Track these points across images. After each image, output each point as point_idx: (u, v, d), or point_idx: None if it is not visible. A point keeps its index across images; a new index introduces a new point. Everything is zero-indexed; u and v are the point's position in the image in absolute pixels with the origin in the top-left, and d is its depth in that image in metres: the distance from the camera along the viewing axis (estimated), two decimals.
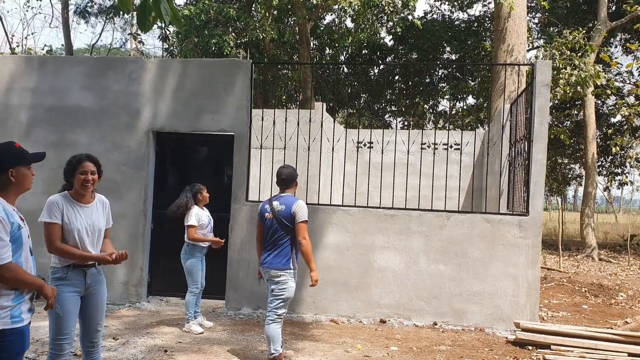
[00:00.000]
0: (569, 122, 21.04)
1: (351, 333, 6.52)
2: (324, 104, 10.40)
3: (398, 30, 16.10)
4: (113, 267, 7.56)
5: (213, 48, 13.85)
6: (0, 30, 20.13)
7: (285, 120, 7.86)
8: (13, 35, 21.39)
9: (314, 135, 9.19)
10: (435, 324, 6.97)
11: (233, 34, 14.06)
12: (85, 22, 18.49)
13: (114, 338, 5.89)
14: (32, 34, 37.67)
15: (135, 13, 18.25)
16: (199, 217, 6.39)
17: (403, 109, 21.42)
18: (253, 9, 16.10)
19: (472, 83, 18.96)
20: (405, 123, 23.49)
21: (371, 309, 7.14)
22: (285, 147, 7.87)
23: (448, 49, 22.29)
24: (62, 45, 20.51)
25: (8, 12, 41.27)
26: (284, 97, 19.74)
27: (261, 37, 13.91)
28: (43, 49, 22.40)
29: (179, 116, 7.65)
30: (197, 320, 6.43)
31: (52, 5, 21.16)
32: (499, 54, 13.86)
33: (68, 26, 19.23)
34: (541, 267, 12.18)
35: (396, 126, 10.40)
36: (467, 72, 20.95)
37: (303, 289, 7.22)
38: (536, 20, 22.40)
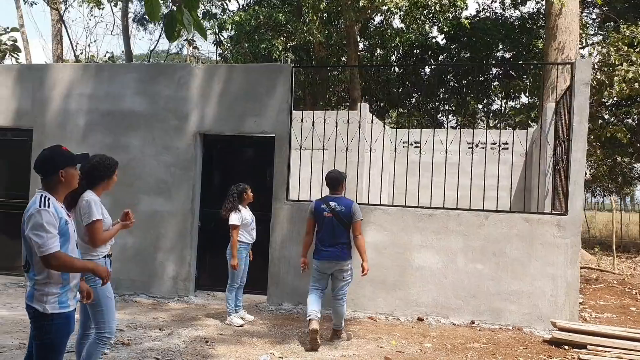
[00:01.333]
0: (630, 120, 20.31)
1: (387, 330, 6.65)
2: (368, 105, 10.53)
3: (446, 29, 16.02)
4: (164, 264, 7.99)
5: (263, 52, 14.22)
6: (65, 38, 21.20)
7: (324, 122, 8.05)
8: (77, 43, 22.52)
9: (357, 136, 9.35)
10: (472, 322, 7.01)
11: (282, 38, 14.39)
12: (143, 29, 19.27)
13: (160, 329, 6.26)
14: (95, 41, 39.42)
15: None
16: (242, 216, 6.67)
17: (454, 109, 21.21)
18: (303, 12, 16.40)
19: (525, 81, 18.61)
20: (456, 122, 23.28)
21: (409, 307, 7.24)
22: (324, 148, 8.07)
23: (501, 47, 21.92)
24: (123, 51, 21.45)
25: (73, 21, 43.39)
26: (334, 99, 19.96)
27: (309, 40, 14.16)
28: (105, 56, 23.52)
29: (224, 119, 7.98)
30: (238, 314, 6.74)
31: (113, 13, 22.18)
32: (549, 51, 13.61)
33: (128, 33, 20.12)
34: (593, 269, 11.93)
35: (447, 126, 10.43)
36: (519, 71, 20.57)
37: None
38: (593, 16, 21.73)
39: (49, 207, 3.16)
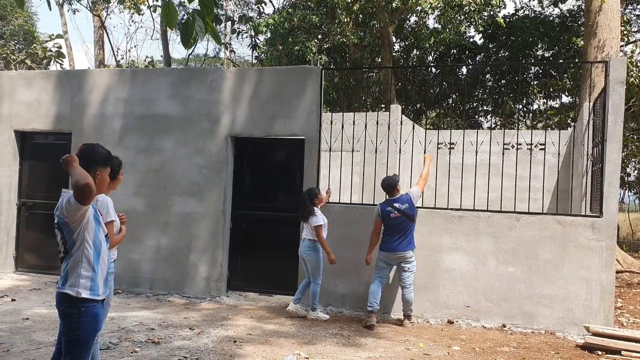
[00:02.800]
0: None
1: (416, 332, 6.61)
2: (400, 106, 10.48)
3: (482, 29, 15.81)
4: (196, 264, 8.12)
5: (297, 54, 14.31)
6: (107, 44, 21.78)
7: (353, 124, 8.05)
8: (118, 49, 23.09)
9: (391, 138, 9.31)
10: (504, 326, 6.90)
11: (315, 40, 14.45)
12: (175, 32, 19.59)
13: (190, 328, 6.37)
14: (135, 46, 40.34)
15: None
16: (323, 217, 7.04)
17: (492, 109, 20.88)
18: (337, 14, 16.43)
19: (565, 81, 18.18)
20: (494, 123, 22.91)
21: (439, 310, 7.18)
22: (353, 150, 8.08)
23: (540, 45, 21.47)
24: (162, 56, 21.89)
25: (114, 27, 44.48)
26: (369, 101, 19.91)
27: (342, 41, 14.19)
28: (145, 61, 24.02)
29: (255, 122, 8.07)
30: (296, 305, 7.14)
31: (152, 19, 22.66)
32: (589, 50, 13.28)
33: (166, 38, 20.53)
34: (635, 272, 11.56)
35: (485, 127, 10.30)
36: (559, 70, 20.11)
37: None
38: (638, 12, 21.10)
39: None
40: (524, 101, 22.85)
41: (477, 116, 23.71)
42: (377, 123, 7.91)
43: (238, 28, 18.39)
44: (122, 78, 8.74)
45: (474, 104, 23.96)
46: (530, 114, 21.87)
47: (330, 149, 7.92)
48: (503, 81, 22.44)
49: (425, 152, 8.91)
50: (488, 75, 22.71)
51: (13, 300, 7.53)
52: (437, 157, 8.57)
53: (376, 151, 8.04)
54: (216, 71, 8.44)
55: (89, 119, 8.78)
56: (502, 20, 14.84)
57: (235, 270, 8.35)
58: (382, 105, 19.92)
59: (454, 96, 23.27)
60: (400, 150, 8.16)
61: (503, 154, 7.70)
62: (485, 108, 23.93)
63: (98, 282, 3.35)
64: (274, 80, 8.03)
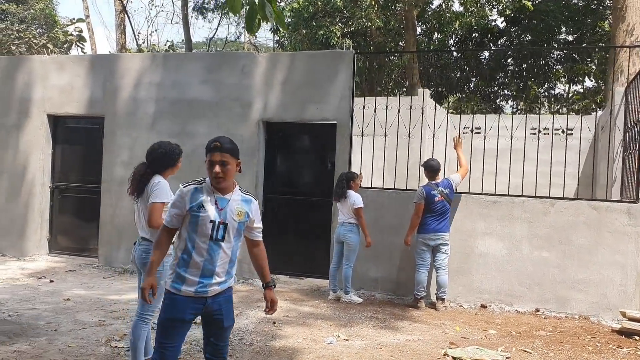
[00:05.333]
0: None
1: (451, 316, 6.67)
2: (428, 90, 10.44)
3: (508, 12, 15.64)
4: None
5: (320, 39, 14.27)
6: (128, 28, 21.85)
7: (386, 108, 8.06)
8: (139, 33, 23.16)
9: (417, 122, 9.31)
10: (537, 310, 6.94)
11: (340, 24, 14.40)
12: (202, 17, 19.63)
13: None
14: (156, 30, 40.42)
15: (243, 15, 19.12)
16: (361, 199, 7.16)
17: (515, 93, 20.71)
18: None
19: (590, 65, 17.98)
20: (516, 107, 22.72)
21: (472, 294, 7.23)
22: (386, 134, 8.10)
23: (564, 29, 21.20)
24: (182, 40, 21.93)
25: (135, 11, 44.53)
26: (391, 85, 19.84)
27: (367, 25, 14.12)
28: (165, 45, 24.09)
29: (287, 106, 8.11)
30: (336, 293, 7.27)
31: (173, 2, 22.70)
32: (617, 33, 13.11)
33: (187, 22, 20.57)
34: None
35: (512, 112, 10.24)
36: (583, 54, 19.88)
37: (404, 273, 7.47)
38: None
39: None
40: (545, 85, 22.66)
41: (498, 100, 23.54)
42: (411, 108, 7.89)
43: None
44: (154, 63, 8.80)
45: (495, 88, 23.78)
46: (554, 99, 21.66)
47: (362, 133, 7.94)
48: (524, 65, 22.25)
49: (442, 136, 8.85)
50: (510, 60, 22.51)
51: (51, 281, 7.69)
52: (467, 142, 8.55)
53: (409, 136, 8.04)
54: (248, 56, 8.47)
55: (121, 104, 8.86)
56: (529, 3, 14.66)
57: (267, 253, 8.41)
58: (404, 89, 19.84)
59: (474, 80, 23.11)
60: (434, 135, 8.15)
61: (534, 138, 7.65)
62: (506, 92, 23.75)
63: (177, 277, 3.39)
64: (306, 64, 8.05)
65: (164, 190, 4.40)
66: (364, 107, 7.90)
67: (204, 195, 3.26)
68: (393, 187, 8.05)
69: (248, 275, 8.19)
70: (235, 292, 7.41)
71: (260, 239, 3.57)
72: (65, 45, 23.88)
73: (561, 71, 19.18)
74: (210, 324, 3.38)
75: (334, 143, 7.97)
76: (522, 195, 7.18)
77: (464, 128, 11.88)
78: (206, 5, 18.97)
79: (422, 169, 7.36)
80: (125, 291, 7.28)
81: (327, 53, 8.32)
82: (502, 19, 21.35)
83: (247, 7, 3.01)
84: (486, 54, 22.79)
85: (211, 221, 3.22)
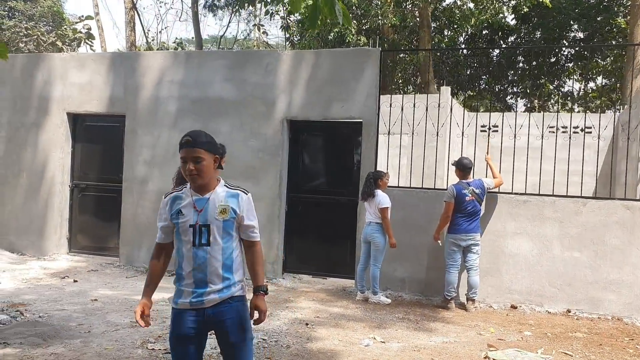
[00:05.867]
0: None
1: (482, 317, 6.60)
2: (450, 88, 10.35)
3: (525, 9, 15.54)
4: None
5: (335, 36, 14.17)
6: (138, 25, 21.77)
7: (414, 106, 7.96)
8: (148, 30, 23.07)
9: (440, 120, 9.23)
10: (568, 311, 6.86)
11: (354, 22, 14.29)
12: (213, 15, 19.54)
13: None
14: (165, 28, 40.25)
15: (261, 6, 19.03)
16: (389, 200, 7.07)
17: (528, 91, 20.59)
18: None
19: (604, 62, 17.85)
20: (528, 105, 22.60)
21: (501, 295, 7.15)
22: (413, 133, 8.00)
23: (575, 26, 21.07)
24: (193, 37, 21.83)
25: (144, 8, 44.38)
26: (401, 82, 19.74)
27: (381, 23, 14.01)
28: (174, 42, 24.00)
29: (311, 105, 8.02)
30: (364, 294, 7.20)
31: (182, 0, 22.55)
32: (635, 30, 13.01)
33: (197, 19, 20.46)
34: None
35: (529, 110, 10.15)
36: (596, 51, 19.75)
37: (432, 273, 7.39)
38: None
39: None
40: (555, 83, 22.52)
41: (511, 98, 23.41)
42: (439, 106, 7.80)
43: (271, 9, 18.25)
44: (176, 60, 8.72)
45: (505, 86, 23.66)
46: (569, 97, 21.53)
47: (389, 132, 7.85)
48: (534, 63, 22.12)
49: (476, 135, 8.77)
50: (520, 57, 22.39)
51: (75, 281, 7.63)
52: (477, 140, 8.45)
53: (437, 134, 7.95)
54: (272, 54, 8.39)
55: (143, 102, 8.79)
56: (547, 0, 14.54)
57: (290, 252, 8.37)
58: (415, 86, 19.72)
59: (484, 77, 23.00)
60: (463, 133, 8.06)
61: (551, 137, 7.56)
62: (515, 90, 23.64)
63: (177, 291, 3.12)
64: (331, 62, 7.96)
65: None
66: (390, 105, 7.82)
67: (184, 201, 2.97)
68: (420, 186, 7.93)
69: (271, 274, 8.11)
70: None
71: (255, 238, 3.09)
72: (74, 43, 23.83)
73: (576, 68, 19.03)
74: (219, 338, 3.02)
75: (359, 142, 7.89)
76: (553, 195, 7.10)
77: (481, 126, 11.80)
78: (217, 3, 18.87)
79: (453, 167, 7.25)
80: None
81: (352, 50, 8.23)
82: (513, 16, 21.24)
83: (311, 4, 2.93)
84: (497, 51, 22.68)
85: (191, 226, 2.92)
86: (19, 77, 9.48)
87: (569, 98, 21.47)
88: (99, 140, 9.33)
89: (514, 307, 7.02)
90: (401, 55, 19.00)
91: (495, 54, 21.32)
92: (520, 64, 22.61)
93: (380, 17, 13.69)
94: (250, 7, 19.08)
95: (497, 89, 22.49)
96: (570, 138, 7.68)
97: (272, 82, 8.20)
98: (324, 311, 6.55)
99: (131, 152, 8.83)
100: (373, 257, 7.12)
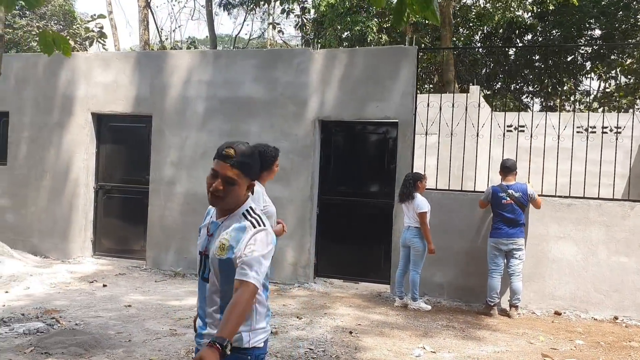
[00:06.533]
0: None
1: (527, 324, 6.39)
2: (480, 88, 10.13)
3: (550, 7, 15.29)
4: (283, 250, 7.93)
5: (357, 34, 13.96)
6: (152, 24, 21.60)
7: (452, 106, 7.75)
8: (162, 29, 22.90)
9: (472, 120, 9.01)
10: (616, 318, 6.64)
11: (375, 20, 14.08)
12: (228, 13, 19.34)
13: (297, 317, 6.21)
14: (179, 27, 40.01)
15: (275, 3, 18.83)
16: (427, 204, 6.84)
17: (549, 90, 20.32)
18: None
19: (630, 61, 17.58)
20: (544, 104, 22.32)
21: (544, 300, 6.93)
22: (452, 134, 7.78)
23: (595, 24, 20.77)
24: (206, 36, 21.64)
25: (157, 7, 44.16)
26: (419, 82, 19.49)
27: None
28: (187, 41, 23.84)
29: (344, 105, 7.82)
30: (403, 300, 7.01)
31: None
32: None
33: (212, 18, 20.27)
34: None
35: (559, 110, 9.91)
36: (614, 50, 19.48)
37: (472, 278, 7.19)
38: None
39: None
40: (572, 81, 22.23)
41: (527, 97, 23.14)
42: (479, 105, 7.61)
43: (288, 8, 18.06)
44: (204, 60, 8.53)
45: (521, 84, 23.38)
46: (588, 95, 21.26)
47: (426, 132, 7.64)
48: (550, 62, 21.83)
49: (504, 135, 8.53)
50: (536, 56, 22.10)
51: (104, 285, 7.45)
52: (505, 140, 8.20)
53: (477, 135, 7.75)
54: (304, 53, 8.19)
55: (170, 102, 8.60)
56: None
57: (321, 256, 8.17)
58: (432, 85, 19.51)
59: (501, 76, 22.72)
60: (504, 133, 7.89)
61: (581, 137, 7.34)
62: (531, 89, 23.36)
63: None
64: (366, 61, 7.75)
65: (254, 197, 4.14)
66: (428, 105, 7.61)
67: (208, 215, 2.55)
68: (450, 187, 7.73)
69: (303, 279, 7.92)
70: (295, 297, 7.19)
71: (243, 277, 2.22)
72: (86, 42, 23.68)
73: (599, 67, 18.76)
74: None
75: (395, 142, 7.69)
76: (598, 198, 6.89)
77: (508, 126, 11.59)
78: (232, 1, 18.67)
79: (482, 168, 7.06)
80: (183, 296, 7.03)
81: (388, 49, 8.04)
82: (529, 14, 20.95)
83: (396, 1, 2.74)
84: (511, 51, 22.39)
85: (200, 252, 2.47)
86: (42, 76, 9.31)
87: (589, 97, 21.20)
88: (124, 141, 9.15)
89: (557, 313, 6.81)
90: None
91: (511, 52, 21.03)
92: (537, 63, 22.34)
93: None
94: (265, 5, 18.87)
95: (513, 88, 22.19)
96: (602, 138, 7.45)
97: (303, 82, 8.01)
98: (364, 318, 6.35)
99: (158, 153, 8.65)
100: (413, 262, 6.92)
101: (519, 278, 6.67)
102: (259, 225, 2.34)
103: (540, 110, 19.51)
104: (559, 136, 7.41)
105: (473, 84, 13.07)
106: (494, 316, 6.66)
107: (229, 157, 2.32)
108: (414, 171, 7.31)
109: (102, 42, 23.63)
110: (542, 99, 22.52)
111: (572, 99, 20.94)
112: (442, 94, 9.10)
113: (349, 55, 7.91)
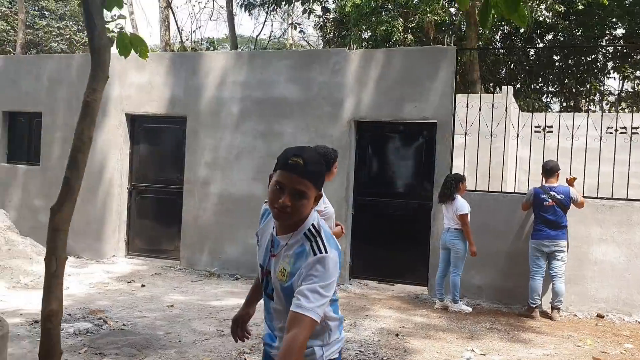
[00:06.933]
0: None
1: (571, 327, 6.33)
2: (512, 88, 10.07)
3: (579, 7, 15.17)
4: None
5: (382, 34, 13.92)
6: (172, 24, 21.69)
7: (493, 106, 7.70)
8: (182, 29, 22.99)
9: (500, 121, 8.94)
10: None
11: (400, 20, 14.04)
12: (249, 14, 19.36)
13: None
14: (199, 27, 40.06)
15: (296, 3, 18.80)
16: (468, 206, 6.79)
17: (574, 90, 20.17)
18: None
19: None
20: (565, 104, 22.14)
21: (586, 303, 6.87)
22: (491, 134, 7.74)
23: (614, 21, 20.58)
24: (225, 35, 21.68)
25: (177, 7, 44.26)
26: None
27: (431, 20, 13.74)
28: (206, 42, 23.91)
29: (381, 105, 7.80)
30: (443, 302, 6.95)
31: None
32: None
33: (232, 19, 20.30)
34: None
35: (587, 110, 9.82)
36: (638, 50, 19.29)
37: (511, 280, 7.14)
38: None
39: None
40: (594, 81, 22.04)
41: (546, 97, 22.98)
42: (507, 108, 7.54)
43: (309, 7, 18.06)
44: (239, 61, 8.55)
45: (541, 84, 23.20)
46: (611, 95, 21.08)
47: (465, 133, 7.60)
48: (570, 62, 21.65)
49: (531, 135, 8.47)
50: (558, 56, 21.92)
51: (143, 285, 7.49)
52: (532, 141, 8.16)
53: (518, 136, 7.70)
54: (340, 53, 8.17)
55: (204, 103, 8.62)
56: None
57: (357, 257, 8.15)
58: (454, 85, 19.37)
59: (521, 76, 22.58)
60: (532, 133, 7.81)
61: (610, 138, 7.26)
62: (550, 89, 23.19)
63: None
64: (403, 61, 7.73)
65: None
66: (467, 106, 7.58)
67: (268, 224, 2.29)
68: (499, 189, 7.69)
69: (338, 280, 7.88)
70: None
71: (299, 310, 1.97)
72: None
73: (627, 67, 18.59)
74: None
75: (432, 143, 7.66)
76: None
77: (536, 127, 11.51)
78: (253, 1, 18.69)
79: (511, 169, 7.01)
80: (222, 297, 7.05)
81: (427, 49, 8.01)
82: (551, 12, 20.77)
83: (483, 2, 2.72)
84: (532, 51, 22.25)
85: (260, 265, 2.27)
86: (75, 77, 9.36)
87: (613, 97, 21.01)
88: (158, 142, 9.19)
89: (600, 316, 6.75)
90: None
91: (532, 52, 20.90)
92: (558, 63, 22.17)
93: (429, 15, 13.40)
94: (286, 6, 18.87)
95: (533, 87, 22.04)
96: (631, 139, 7.39)
97: (339, 82, 7.99)
98: (407, 320, 6.33)
99: (193, 154, 8.67)
100: (453, 264, 6.89)
101: (562, 280, 6.62)
102: (320, 252, 2.07)
103: (560, 111, 19.37)
104: (586, 137, 7.32)
105: (495, 84, 12.97)
106: (536, 318, 6.61)
107: (297, 168, 2.02)
108: (452, 172, 7.27)
109: None
110: (562, 99, 22.36)
111: (595, 99, 20.76)
112: (479, 95, 9.00)
113: (386, 55, 7.89)
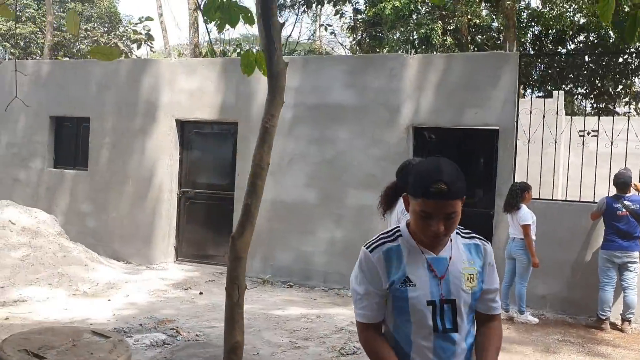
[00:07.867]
0: None
1: (634, 338, 6.20)
2: (562, 93, 9.92)
3: (626, 9, 14.92)
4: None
5: (421, 37, 13.80)
6: (201, 26, 21.71)
7: (556, 113, 7.57)
8: (210, 31, 22.96)
9: (552, 126, 8.78)
10: None
11: (439, 22, 13.91)
12: (279, 15, 19.31)
13: None
14: (227, 29, 40.17)
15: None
16: (532, 215, 6.64)
17: (612, 93, 19.91)
18: None
19: None
20: (595, 106, 21.87)
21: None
22: (555, 142, 7.59)
23: None
24: (252, 36, 21.62)
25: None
26: None
27: (470, 22, 13.61)
28: (234, 44, 23.89)
29: (441, 111, 7.68)
30: (508, 313, 6.84)
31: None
32: None
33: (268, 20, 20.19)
34: None
35: (629, 113, 9.62)
36: None
37: (576, 290, 7.01)
38: None
39: None
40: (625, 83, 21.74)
41: (576, 98, 22.69)
42: (571, 115, 7.40)
43: (341, 9, 17.98)
44: (292, 66, 8.37)
45: (570, 87, 22.93)
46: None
47: (528, 140, 7.45)
48: (602, 63, 21.36)
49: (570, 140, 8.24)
50: (588, 58, 21.61)
51: (201, 293, 7.45)
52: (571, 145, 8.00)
53: (584, 143, 7.56)
54: (397, 58, 8.08)
55: (256, 109, 8.54)
56: None
57: None
58: None
59: (553, 80, 22.32)
60: (583, 141, 7.61)
61: None
62: (582, 91, 22.91)
63: None
64: (464, 67, 7.61)
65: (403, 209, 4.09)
66: (531, 112, 7.44)
67: (407, 258, 2.01)
68: (565, 198, 7.54)
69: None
70: None
71: (496, 311, 2.11)
72: (134, 44, 23.87)
73: None
74: None
75: (491, 150, 7.54)
76: None
77: (579, 131, 11.32)
78: (284, 2, 18.64)
79: (561, 175, 6.87)
80: (282, 305, 6.99)
81: (488, 55, 7.91)
82: (581, 14, 20.51)
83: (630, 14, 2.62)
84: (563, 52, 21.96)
85: (429, 302, 1.99)
86: (123, 82, 9.36)
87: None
88: (208, 148, 9.16)
89: None
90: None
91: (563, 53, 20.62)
92: (589, 65, 21.88)
93: (469, 17, 13.27)
94: (317, 7, 18.81)
95: (572, 91, 21.75)
96: None
97: (396, 88, 7.89)
98: None
99: (244, 160, 8.60)
100: (518, 274, 6.77)
101: (634, 292, 6.46)
102: (487, 241, 2.14)
103: (599, 115, 19.10)
104: (627, 142, 7.14)
105: (525, 86, 12.77)
106: (606, 330, 6.47)
107: (442, 194, 1.89)
108: (515, 180, 7.15)
109: (150, 44, 23.83)
110: (595, 102, 22.06)
111: (631, 101, 20.46)
112: (544, 100, 8.88)
113: (446, 61, 7.78)
